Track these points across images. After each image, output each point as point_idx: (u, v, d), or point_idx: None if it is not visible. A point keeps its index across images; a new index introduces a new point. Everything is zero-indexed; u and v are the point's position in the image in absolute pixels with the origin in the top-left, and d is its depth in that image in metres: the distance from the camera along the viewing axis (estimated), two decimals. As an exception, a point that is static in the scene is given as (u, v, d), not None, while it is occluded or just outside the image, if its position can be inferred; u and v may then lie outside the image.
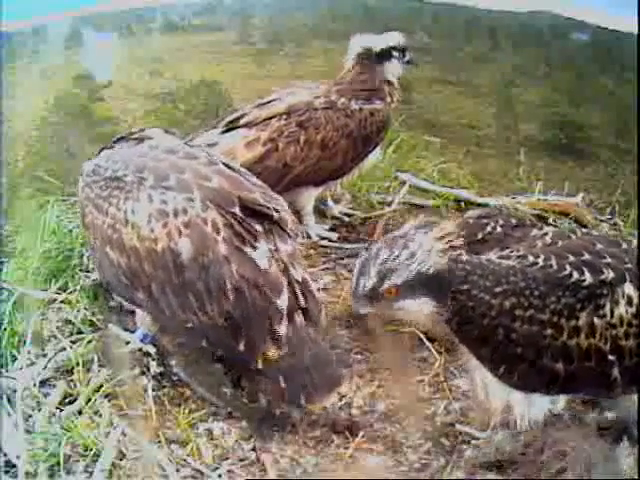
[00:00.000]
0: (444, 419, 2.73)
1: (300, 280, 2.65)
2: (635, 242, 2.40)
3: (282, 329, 2.52)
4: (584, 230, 2.44)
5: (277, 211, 2.71)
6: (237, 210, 2.61)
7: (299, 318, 2.59)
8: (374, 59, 3.78)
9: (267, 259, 2.58)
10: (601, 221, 4.32)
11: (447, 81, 7.71)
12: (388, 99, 3.77)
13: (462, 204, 4.36)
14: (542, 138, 6.67)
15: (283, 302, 2.54)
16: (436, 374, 2.96)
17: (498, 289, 2.16)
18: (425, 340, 3.07)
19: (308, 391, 2.52)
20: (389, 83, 3.80)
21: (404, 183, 4.43)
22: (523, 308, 2.15)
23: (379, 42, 3.79)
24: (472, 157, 5.78)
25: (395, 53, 3.78)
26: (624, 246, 2.32)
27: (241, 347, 2.52)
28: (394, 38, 3.81)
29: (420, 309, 2.30)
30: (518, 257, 2.22)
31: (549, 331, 2.15)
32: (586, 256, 2.22)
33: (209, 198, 2.61)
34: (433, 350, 3.04)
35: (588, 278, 2.17)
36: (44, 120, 5.81)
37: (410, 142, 4.88)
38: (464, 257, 2.24)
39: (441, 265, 2.23)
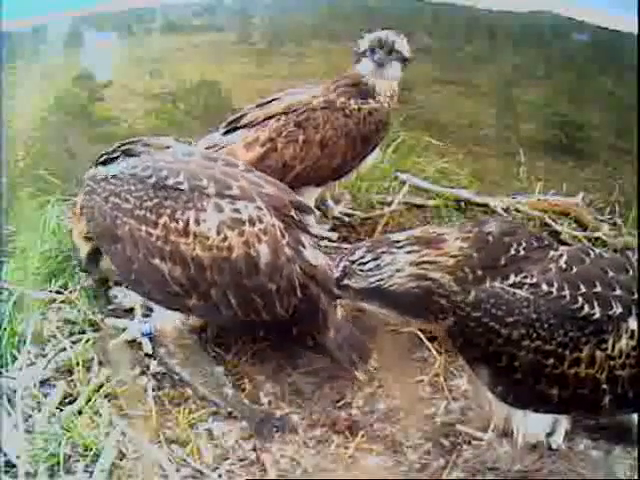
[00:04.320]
0: (444, 419, 2.73)
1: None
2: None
3: (339, 313, 2.79)
4: (597, 252, 2.39)
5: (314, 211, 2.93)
6: (293, 213, 2.77)
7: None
8: (355, 59, 3.77)
9: (314, 255, 2.78)
10: (601, 221, 4.32)
11: (447, 81, 7.71)
12: (379, 98, 3.73)
13: (462, 204, 4.36)
14: (542, 138, 6.67)
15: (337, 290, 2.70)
16: (436, 374, 2.96)
17: (509, 319, 2.15)
18: (425, 340, 3.07)
19: (359, 354, 2.84)
20: (364, 83, 3.70)
21: (404, 183, 4.43)
22: (531, 339, 2.15)
23: (362, 43, 3.75)
24: (472, 157, 5.77)
25: (367, 52, 3.70)
26: (631, 273, 2.31)
27: (295, 333, 2.76)
28: (367, 39, 3.72)
29: (387, 315, 2.30)
30: (531, 285, 2.19)
31: (551, 361, 2.16)
32: (598, 287, 2.20)
33: (270, 205, 2.72)
34: (433, 350, 3.04)
35: (597, 313, 2.17)
36: (44, 120, 5.81)
37: (410, 142, 4.87)
38: (453, 286, 2.17)
39: (407, 289, 2.17)
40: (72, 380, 2.79)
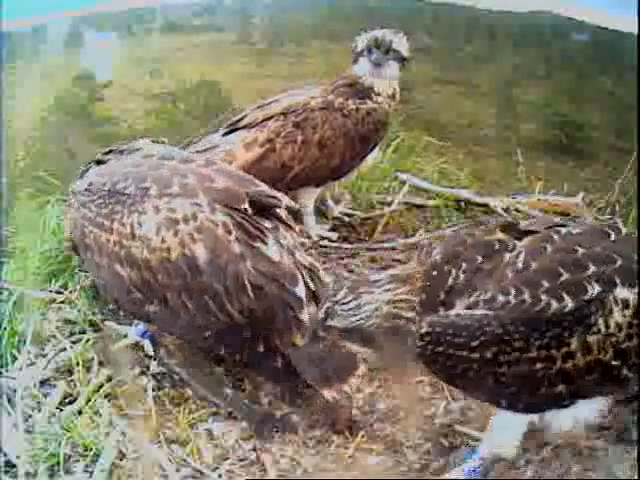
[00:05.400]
0: (444, 420, 2.72)
1: (307, 266, 2.68)
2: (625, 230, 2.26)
3: (305, 316, 2.57)
4: (564, 231, 2.18)
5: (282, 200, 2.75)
6: (246, 206, 2.63)
7: (312, 307, 2.61)
8: (353, 59, 3.76)
9: (278, 251, 2.61)
10: (601, 221, 4.31)
11: (447, 81, 7.72)
12: (377, 98, 3.72)
13: (462, 204, 4.36)
14: (542, 138, 6.68)
15: (301, 290, 2.58)
16: (436, 374, 2.95)
17: (474, 343, 2.02)
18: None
19: (337, 370, 2.56)
20: (361, 83, 3.68)
21: (404, 183, 4.43)
22: (506, 353, 2.01)
23: (359, 42, 3.74)
24: (472, 157, 5.78)
25: (365, 52, 3.69)
26: (612, 237, 2.17)
27: (261, 348, 2.57)
28: (364, 38, 3.70)
29: (372, 357, 2.30)
30: (486, 301, 2.05)
31: (540, 365, 2.02)
32: (564, 275, 2.02)
33: (216, 199, 2.61)
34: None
35: (569, 303, 1.99)
36: (44, 120, 5.82)
37: (410, 142, 4.87)
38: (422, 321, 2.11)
39: (385, 328, 2.17)
40: (72, 380, 2.79)
